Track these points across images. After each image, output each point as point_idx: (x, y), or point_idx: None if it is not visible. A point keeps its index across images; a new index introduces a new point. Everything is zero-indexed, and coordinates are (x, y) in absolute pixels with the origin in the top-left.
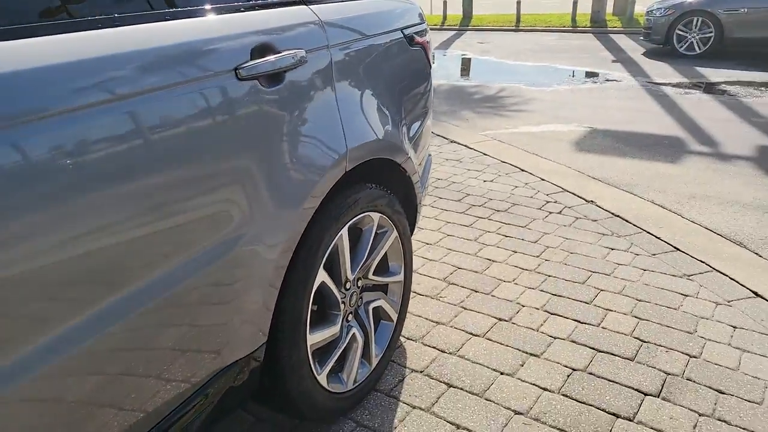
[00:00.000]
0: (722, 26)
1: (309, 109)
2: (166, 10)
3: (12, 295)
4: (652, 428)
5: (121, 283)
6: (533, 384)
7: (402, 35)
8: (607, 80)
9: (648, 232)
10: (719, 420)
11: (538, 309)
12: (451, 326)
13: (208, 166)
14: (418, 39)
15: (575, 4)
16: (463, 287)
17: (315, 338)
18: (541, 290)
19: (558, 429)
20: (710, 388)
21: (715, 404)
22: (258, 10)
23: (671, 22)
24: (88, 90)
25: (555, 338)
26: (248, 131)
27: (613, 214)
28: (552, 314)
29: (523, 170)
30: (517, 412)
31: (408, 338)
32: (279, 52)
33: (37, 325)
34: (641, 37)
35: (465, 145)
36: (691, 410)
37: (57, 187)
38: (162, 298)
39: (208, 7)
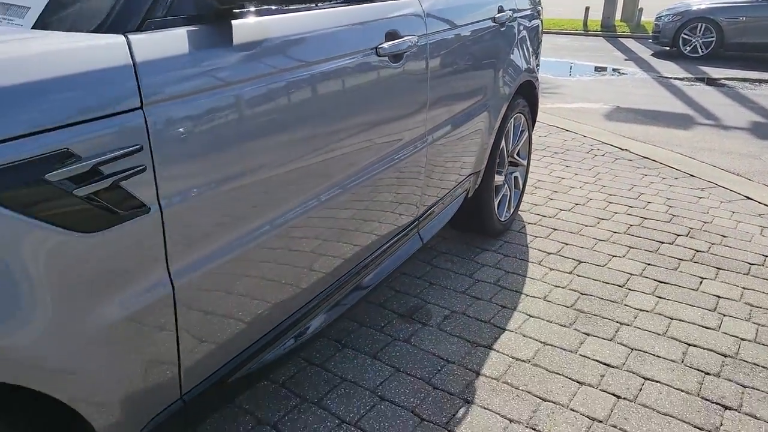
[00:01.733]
0: (723, 32)
1: (511, 43)
2: None
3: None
4: (685, 247)
5: (456, 109)
6: (607, 230)
7: (536, 10)
8: (622, 73)
9: (671, 167)
10: (725, 246)
11: (601, 201)
12: (545, 206)
13: (481, 64)
14: (541, 14)
15: (587, 10)
16: (546, 190)
17: (496, 179)
18: (600, 192)
19: (626, 246)
20: (717, 234)
21: (721, 241)
22: None
23: (678, 27)
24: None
25: (616, 213)
26: (498, 47)
27: (643, 156)
28: (611, 203)
29: (567, 130)
30: (600, 240)
31: (520, 211)
32: (504, 12)
33: (439, 117)
34: (650, 40)
35: None
36: (707, 242)
37: (459, 59)
38: (462, 125)
39: None
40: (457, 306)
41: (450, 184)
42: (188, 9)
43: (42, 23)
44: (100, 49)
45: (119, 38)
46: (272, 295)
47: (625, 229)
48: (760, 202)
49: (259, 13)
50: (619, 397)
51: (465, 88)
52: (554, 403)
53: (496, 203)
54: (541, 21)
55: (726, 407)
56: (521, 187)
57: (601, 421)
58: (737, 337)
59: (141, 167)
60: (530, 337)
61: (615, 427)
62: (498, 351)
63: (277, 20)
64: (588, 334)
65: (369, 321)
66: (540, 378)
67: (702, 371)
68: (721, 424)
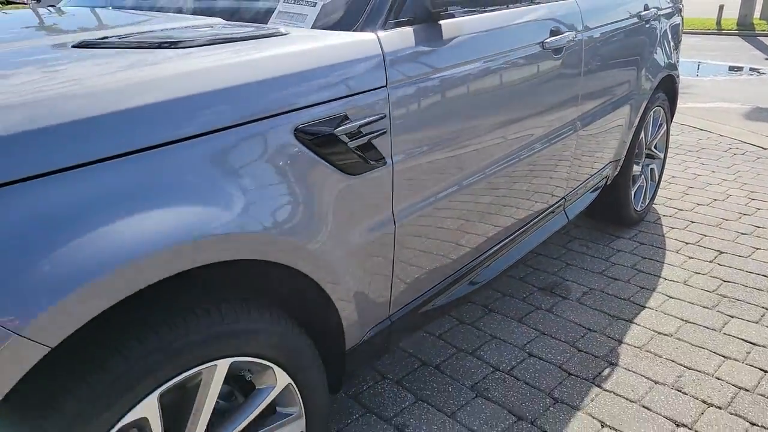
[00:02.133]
0: None
1: (654, 39)
2: None
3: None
4: None
5: (603, 99)
6: (749, 224)
7: (677, 8)
8: (762, 73)
9: None
10: None
11: (742, 197)
12: (681, 200)
13: (627, 58)
14: (681, 11)
15: (721, 8)
16: (681, 185)
17: (633, 168)
18: (741, 189)
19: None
20: None
21: None
22: None
23: None
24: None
25: (759, 209)
26: (642, 43)
27: None
28: (753, 199)
29: (702, 129)
30: (742, 233)
31: (655, 204)
32: (649, 9)
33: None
34: None
35: None
36: None
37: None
38: (607, 114)
39: None
40: (594, 284)
41: (593, 169)
42: (411, 13)
43: (317, 25)
44: (363, 44)
45: (372, 35)
46: (459, 243)
47: (763, 228)
48: None
49: (459, 15)
50: (766, 372)
51: (612, 81)
52: (698, 371)
53: (632, 192)
54: (682, 18)
55: None
56: (657, 179)
57: (748, 390)
58: None
59: (383, 130)
60: (671, 315)
61: (763, 396)
62: (639, 325)
63: (473, 19)
64: (732, 316)
65: (511, 292)
66: (683, 350)
67: None
68: None
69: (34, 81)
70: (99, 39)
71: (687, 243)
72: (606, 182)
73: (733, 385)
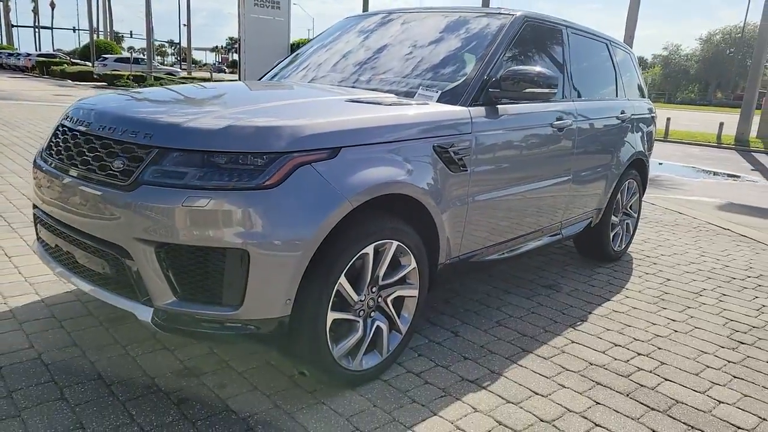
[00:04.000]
0: None
1: (629, 132)
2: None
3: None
4: (753, 279)
5: (590, 164)
6: (696, 268)
7: (651, 115)
8: (745, 180)
9: (764, 243)
10: None
11: (696, 254)
12: (650, 252)
13: (607, 141)
14: (655, 118)
15: (721, 125)
16: (653, 244)
17: (612, 218)
18: (697, 250)
19: (706, 276)
20: None
21: None
22: (621, 100)
23: None
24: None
25: (705, 261)
26: (620, 133)
27: (741, 234)
28: (704, 255)
29: (681, 213)
30: (688, 272)
31: (630, 252)
32: (625, 113)
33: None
34: None
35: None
36: None
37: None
38: (593, 174)
39: (604, 99)
40: (579, 287)
41: (581, 209)
42: (484, 100)
43: (439, 101)
44: (463, 112)
45: (466, 108)
46: (500, 226)
47: (709, 269)
48: None
49: (508, 103)
50: (677, 331)
51: (596, 153)
52: (636, 328)
53: (611, 235)
54: (655, 123)
55: None
56: (632, 232)
57: (642, 341)
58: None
59: (468, 154)
60: (626, 304)
61: (658, 347)
62: (603, 306)
63: (516, 107)
64: (666, 308)
65: (523, 285)
66: (629, 320)
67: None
68: None
69: (358, 112)
70: (357, 98)
71: (647, 273)
72: (591, 223)
73: (652, 334)
